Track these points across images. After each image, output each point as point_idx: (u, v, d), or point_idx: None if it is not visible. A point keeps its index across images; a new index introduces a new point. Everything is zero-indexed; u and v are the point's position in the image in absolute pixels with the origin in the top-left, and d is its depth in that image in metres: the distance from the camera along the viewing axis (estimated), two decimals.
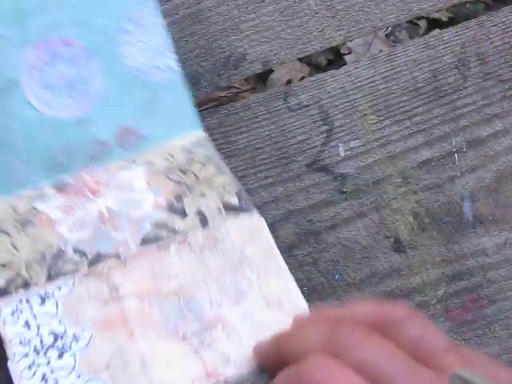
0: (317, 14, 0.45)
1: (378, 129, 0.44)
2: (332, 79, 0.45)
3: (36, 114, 0.40)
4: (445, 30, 0.46)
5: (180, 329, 0.35)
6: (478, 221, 0.44)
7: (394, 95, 0.45)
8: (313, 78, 0.45)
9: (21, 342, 0.35)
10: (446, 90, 0.45)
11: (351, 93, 0.45)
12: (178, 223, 0.38)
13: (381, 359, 0.24)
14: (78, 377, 0.34)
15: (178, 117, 0.41)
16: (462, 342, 0.43)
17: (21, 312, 0.35)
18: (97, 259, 0.37)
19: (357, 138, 0.44)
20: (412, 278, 0.43)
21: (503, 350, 0.43)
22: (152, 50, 0.41)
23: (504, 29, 0.45)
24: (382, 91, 0.45)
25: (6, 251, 0.37)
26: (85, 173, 0.39)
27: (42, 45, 0.40)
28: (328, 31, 0.45)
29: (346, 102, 0.44)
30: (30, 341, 0.35)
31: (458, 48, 0.45)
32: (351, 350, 0.24)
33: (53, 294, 0.36)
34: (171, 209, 0.39)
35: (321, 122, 0.44)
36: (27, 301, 0.36)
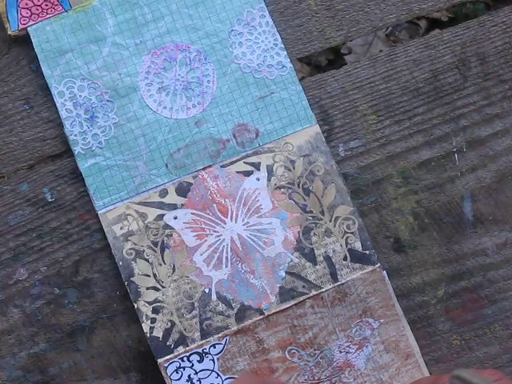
0: (317, 14, 0.45)
1: (378, 129, 0.44)
2: (332, 79, 0.45)
3: (154, 116, 0.42)
4: (445, 30, 0.46)
5: (316, 374, 0.41)
6: (478, 221, 0.44)
7: (394, 95, 0.45)
8: (313, 78, 0.45)
9: None
10: (446, 90, 0.45)
11: (351, 93, 0.45)
12: (310, 273, 0.41)
13: None
14: None
15: (293, 112, 0.43)
16: (462, 341, 0.43)
17: (183, 369, 0.40)
18: (242, 314, 0.41)
19: (357, 138, 0.44)
20: (412, 277, 0.43)
21: (503, 349, 0.43)
22: (263, 50, 0.43)
23: (504, 29, 0.45)
24: (382, 91, 0.45)
25: (153, 288, 0.41)
26: (205, 173, 0.42)
27: (157, 51, 0.42)
28: (328, 31, 0.45)
29: (346, 102, 0.44)
30: None
31: (458, 48, 0.45)
32: None
33: (209, 352, 0.40)
34: (301, 250, 0.41)
35: (321, 122, 0.44)
36: (188, 359, 0.40)
